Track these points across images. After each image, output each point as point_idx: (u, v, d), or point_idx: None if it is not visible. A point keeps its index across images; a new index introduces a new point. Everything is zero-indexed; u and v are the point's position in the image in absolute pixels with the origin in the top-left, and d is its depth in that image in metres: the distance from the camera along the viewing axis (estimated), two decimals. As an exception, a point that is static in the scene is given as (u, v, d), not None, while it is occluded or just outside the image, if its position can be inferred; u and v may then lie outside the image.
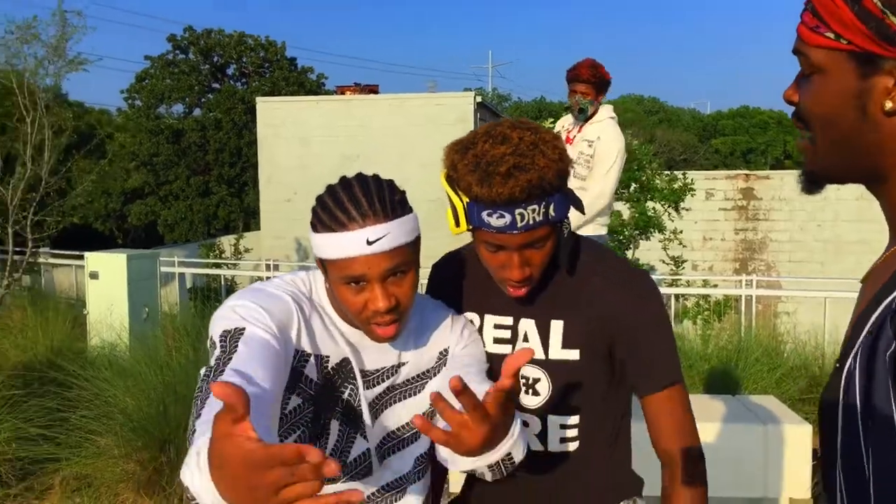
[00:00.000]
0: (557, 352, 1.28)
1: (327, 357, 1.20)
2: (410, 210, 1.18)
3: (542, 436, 1.30)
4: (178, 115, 28.42)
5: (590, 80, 3.56)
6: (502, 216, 1.12)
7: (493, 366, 1.29)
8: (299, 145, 16.05)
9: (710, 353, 5.01)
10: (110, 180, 23.53)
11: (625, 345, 1.26)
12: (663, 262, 9.75)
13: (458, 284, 1.36)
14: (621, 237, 7.95)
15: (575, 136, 3.67)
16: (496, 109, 20.01)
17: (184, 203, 27.16)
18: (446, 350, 1.30)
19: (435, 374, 1.29)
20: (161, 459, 3.38)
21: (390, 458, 1.24)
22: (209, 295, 8.92)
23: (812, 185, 0.90)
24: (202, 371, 1.10)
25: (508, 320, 1.32)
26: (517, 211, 1.11)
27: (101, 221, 26.74)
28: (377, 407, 1.23)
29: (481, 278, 1.33)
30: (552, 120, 10.46)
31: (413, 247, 1.16)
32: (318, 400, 1.18)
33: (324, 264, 1.16)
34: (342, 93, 17.83)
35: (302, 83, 28.53)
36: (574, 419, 1.29)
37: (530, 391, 1.29)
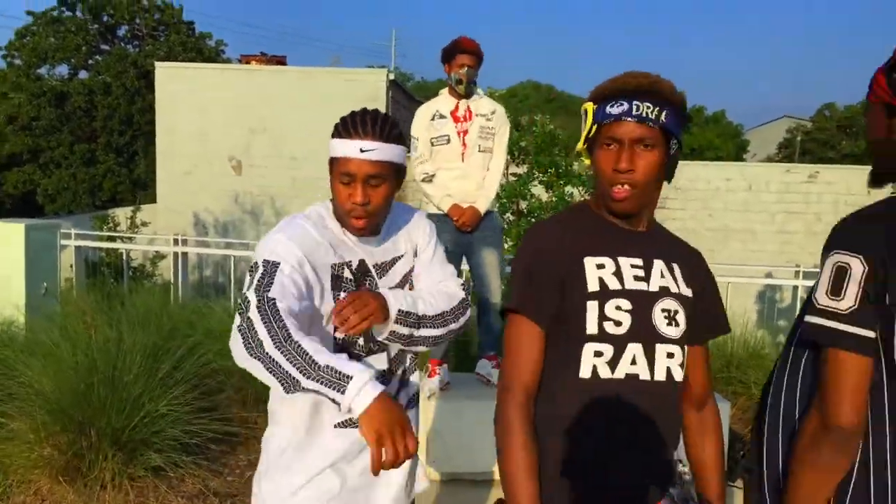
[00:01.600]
0: (684, 289, 1.46)
1: (350, 261, 1.64)
2: (402, 143, 1.61)
3: (680, 365, 1.43)
4: (62, 77, 26.53)
5: (476, 52, 3.60)
6: (621, 104, 1.36)
7: (633, 301, 1.40)
8: (200, 115, 15.33)
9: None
10: (-16, 144, 21.73)
11: (708, 291, 1.52)
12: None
13: (582, 237, 1.45)
14: (537, 220, 8.02)
15: (465, 114, 3.65)
16: (407, 88, 19.86)
17: (66, 172, 25.44)
18: (417, 246, 1.76)
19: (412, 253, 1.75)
20: (81, 443, 3.16)
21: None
22: (103, 271, 8.41)
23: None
24: (244, 291, 1.48)
25: (640, 261, 1.44)
26: (634, 101, 1.35)
27: (-31, 188, 24.71)
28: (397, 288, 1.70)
29: (603, 230, 1.47)
30: None
31: (392, 167, 1.59)
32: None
33: (332, 164, 1.60)
34: (247, 62, 17.17)
35: (200, 49, 27.25)
36: (681, 354, 1.44)
37: (672, 322, 1.42)
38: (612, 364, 1.37)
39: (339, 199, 1.59)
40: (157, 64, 15.78)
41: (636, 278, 1.41)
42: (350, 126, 1.56)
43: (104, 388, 3.25)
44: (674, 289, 1.44)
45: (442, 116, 3.65)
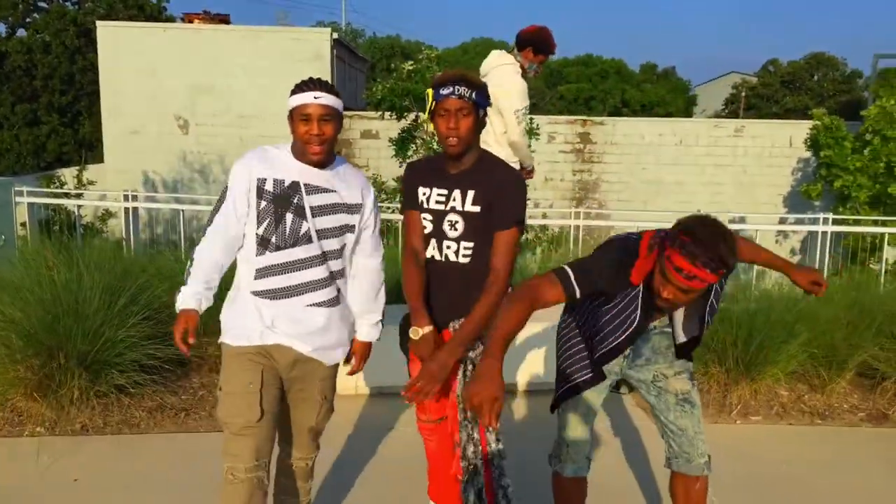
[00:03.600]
0: (469, 206, 2.32)
1: (282, 180, 2.21)
2: (340, 98, 2.23)
3: (457, 253, 2.36)
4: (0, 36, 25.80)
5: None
6: (448, 88, 2.24)
7: (433, 215, 2.38)
8: (145, 75, 15.36)
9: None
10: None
11: (496, 204, 2.29)
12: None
13: (419, 173, 2.46)
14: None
15: None
16: (352, 46, 19.99)
17: (9, 133, 24.96)
18: (361, 204, 2.31)
19: (356, 211, 2.30)
20: (51, 365, 3.64)
21: (325, 240, 2.26)
22: (54, 229, 8.70)
23: None
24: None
25: (445, 190, 2.38)
26: (455, 86, 2.23)
27: None
28: (320, 210, 2.24)
29: (431, 170, 2.43)
30: (411, 63, 10.83)
31: (335, 111, 2.19)
32: (276, 201, 2.20)
33: (292, 114, 2.18)
34: (190, 21, 17.13)
35: (141, 6, 26.68)
36: (471, 244, 2.33)
37: (453, 228, 2.34)
38: (426, 250, 2.43)
39: (300, 135, 2.17)
40: (99, 23, 15.68)
41: (437, 202, 2.38)
42: (305, 84, 2.19)
43: (68, 318, 3.72)
44: (459, 208, 2.34)
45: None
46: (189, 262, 2.23)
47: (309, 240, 2.23)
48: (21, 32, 25.87)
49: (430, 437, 2.62)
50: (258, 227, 2.21)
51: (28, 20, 25.82)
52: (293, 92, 2.19)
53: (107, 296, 3.96)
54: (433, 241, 2.39)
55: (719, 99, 49.82)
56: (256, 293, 2.23)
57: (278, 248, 2.20)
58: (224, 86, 15.23)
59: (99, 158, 16.94)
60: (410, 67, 10.10)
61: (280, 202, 2.20)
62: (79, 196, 10.03)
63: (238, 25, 16.70)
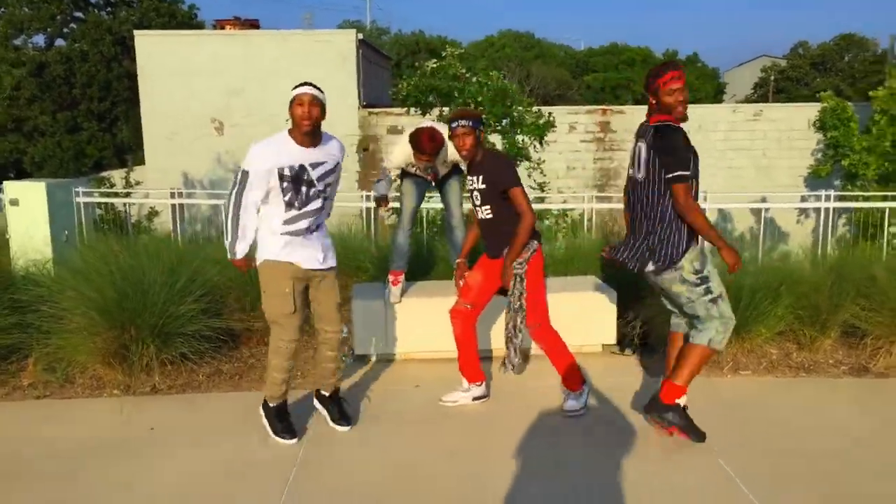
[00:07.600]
0: (480, 185, 3.73)
1: (293, 166, 3.37)
2: (323, 93, 3.42)
3: (482, 212, 3.76)
4: (39, 47, 26.89)
5: (433, 153, 3.99)
6: (456, 122, 3.66)
7: (471, 192, 3.82)
8: (180, 81, 16.09)
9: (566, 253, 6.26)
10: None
11: (498, 179, 3.66)
12: (531, 187, 11.05)
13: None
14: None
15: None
16: (376, 46, 20.56)
17: (51, 139, 26.03)
18: (339, 162, 3.57)
19: (335, 170, 3.54)
20: (125, 336, 4.23)
21: (324, 200, 3.54)
22: (105, 226, 9.39)
23: None
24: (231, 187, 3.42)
25: (474, 178, 3.78)
26: (460, 120, 3.65)
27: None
28: (321, 178, 3.47)
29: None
30: (435, 61, 11.31)
31: (320, 100, 3.37)
32: (293, 179, 3.38)
33: (291, 102, 3.34)
34: (222, 27, 17.82)
35: (173, 14, 27.56)
36: (489, 207, 3.74)
37: (478, 200, 3.77)
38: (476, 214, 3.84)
39: (297, 117, 3.30)
40: (137, 32, 16.42)
41: (471, 183, 3.78)
42: (299, 84, 3.40)
43: (136, 296, 4.30)
44: (478, 186, 3.74)
45: (413, 165, 4.40)
46: (232, 223, 3.37)
47: (318, 196, 3.49)
48: (59, 42, 26.90)
49: (457, 322, 3.86)
50: (284, 196, 3.38)
51: (66, 31, 26.85)
52: (294, 89, 3.38)
53: (167, 277, 4.53)
54: (478, 208, 3.78)
55: (749, 84, 49.44)
56: (283, 234, 3.43)
57: (299, 207, 3.43)
58: (255, 88, 15.88)
59: (138, 161, 17.76)
60: (434, 65, 10.57)
61: (296, 178, 3.38)
62: (127, 195, 10.71)
63: (267, 30, 17.35)
